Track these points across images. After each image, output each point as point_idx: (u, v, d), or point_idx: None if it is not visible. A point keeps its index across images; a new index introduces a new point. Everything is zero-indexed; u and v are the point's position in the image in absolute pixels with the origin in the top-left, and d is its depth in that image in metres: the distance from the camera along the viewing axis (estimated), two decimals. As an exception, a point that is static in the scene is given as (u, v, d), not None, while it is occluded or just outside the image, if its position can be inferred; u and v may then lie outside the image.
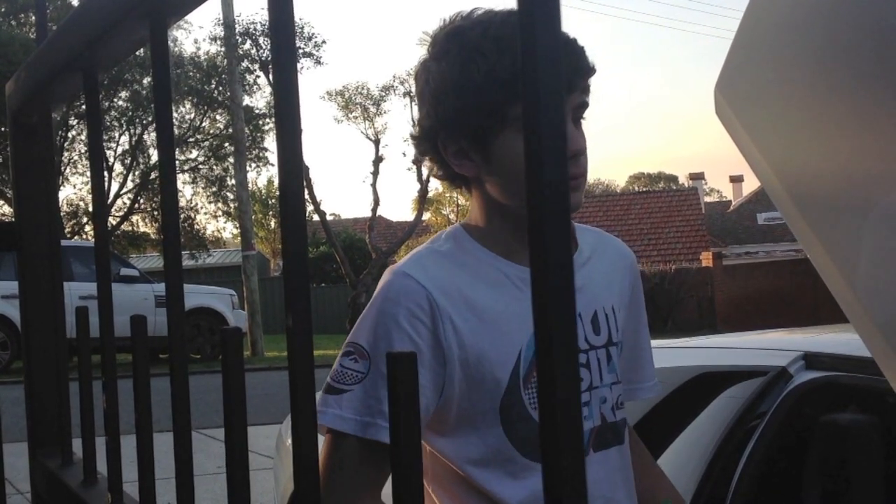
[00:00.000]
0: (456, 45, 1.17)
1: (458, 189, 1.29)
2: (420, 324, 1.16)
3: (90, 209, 20.91)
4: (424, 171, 17.82)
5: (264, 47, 18.93)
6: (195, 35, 35.58)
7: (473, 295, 1.19)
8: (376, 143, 21.60)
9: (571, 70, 1.16)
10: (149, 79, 20.09)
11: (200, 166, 22.61)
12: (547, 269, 0.36)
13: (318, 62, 21.12)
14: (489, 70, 1.13)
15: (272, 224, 41.05)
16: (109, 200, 20.99)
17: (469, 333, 1.17)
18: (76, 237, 20.89)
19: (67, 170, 21.41)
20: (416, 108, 1.29)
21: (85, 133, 20.48)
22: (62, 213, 21.14)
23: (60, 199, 20.83)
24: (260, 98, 22.03)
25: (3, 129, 17.17)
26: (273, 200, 40.71)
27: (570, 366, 0.37)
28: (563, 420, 0.37)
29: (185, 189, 22.74)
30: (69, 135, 20.89)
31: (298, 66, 0.68)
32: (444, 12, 1.24)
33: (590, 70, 1.18)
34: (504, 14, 1.18)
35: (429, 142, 1.22)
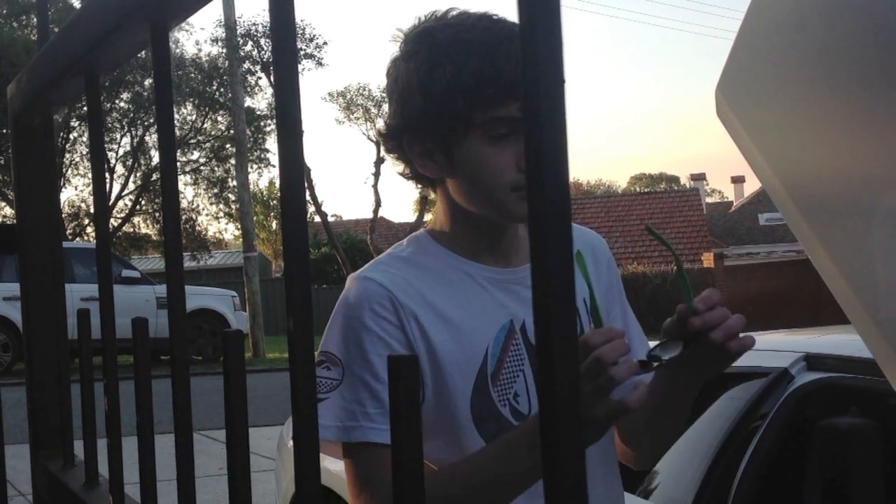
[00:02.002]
0: (425, 46, 1.17)
1: (426, 189, 1.28)
2: (386, 322, 1.16)
3: (91, 211, 20.92)
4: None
5: (266, 48, 18.93)
6: (196, 37, 35.67)
7: (435, 298, 1.20)
8: (377, 144, 21.58)
9: None
10: (150, 80, 20.11)
11: (202, 168, 22.61)
12: (549, 272, 0.36)
13: (319, 63, 21.13)
14: (456, 74, 1.13)
15: (274, 225, 41.07)
16: (111, 202, 21.00)
17: (434, 333, 1.18)
18: (77, 239, 20.90)
19: (69, 171, 21.42)
20: None
21: (86, 134, 20.49)
22: (63, 215, 21.16)
23: (62, 201, 20.86)
24: (261, 99, 22.05)
25: (4, 130, 17.19)
26: (274, 202, 40.74)
27: (571, 365, 0.37)
28: (564, 419, 0.37)
29: (187, 190, 22.76)
30: (70, 136, 20.91)
31: (300, 67, 0.68)
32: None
33: None
34: (475, 18, 1.17)
35: (395, 140, 1.23)
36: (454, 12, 1.20)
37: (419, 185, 1.28)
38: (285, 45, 0.55)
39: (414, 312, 1.18)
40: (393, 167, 1.29)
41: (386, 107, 1.31)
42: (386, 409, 1.13)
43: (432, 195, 1.28)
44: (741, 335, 1.09)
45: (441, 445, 1.20)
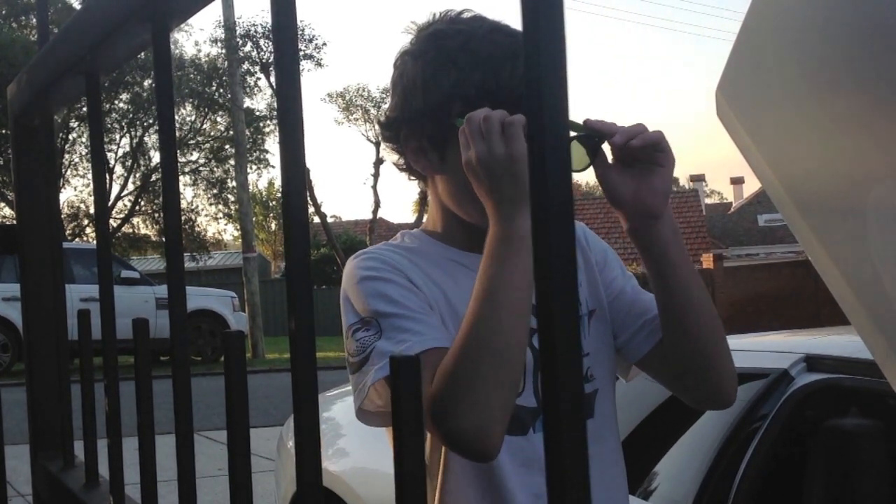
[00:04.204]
0: (434, 48, 1.20)
1: (417, 180, 1.31)
2: (393, 273, 1.19)
3: (91, 211, 20.92)
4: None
5: (265, 49, 18.93)
6: (196, 37, 35.61)
7: (431, 273, 1.22)
8: (377, 145, 21.59)
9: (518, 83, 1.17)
10: (150, 81, 20.10)
11: (201, 168, 22.61)
12: (551, 275, 0.36)
13: (318, 64, 21.16)
14: (459, 82, 1.16)
15: (273, 226, 41.11)
16: (110, 202, 20.98)
17: (433, 299, 1.19)
18: (77, 239, 20.89)
19: (68, 172, 21.42)
20: None
21: (85, 135, 20.48)
22: (63, 216, 21.14)
23: (61, 202, 20.83)
24: (261, 100, 22.07)
25: (4, 131, 17.19)
26: (274, 202, 40.77)
27: (574, 363, 0.37)
28: (566, 407, 0.37)
29: (186, 191, 22.74)
30: (70, 137, 20.91)
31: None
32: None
33: None
34: (488, 28, 1.19)
35: (392, 132, 1.25)
36: (468, 15, 1.22)
37: (411, 177, 1.30)
38: (287, 47, 0.55)
39: (419, 274, 1.20)
40: (388, 156, 1.31)
41: (385, 107, 1.32)
42: (427, 323, 1.14)
43: (429, 194, 1.30)
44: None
45: None
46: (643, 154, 1.13)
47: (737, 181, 39.08)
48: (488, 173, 1.07)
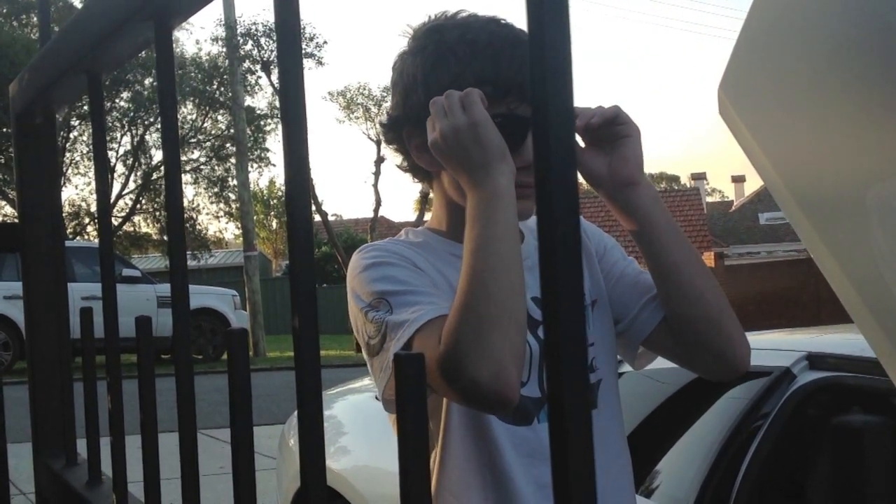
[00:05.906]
0: (433, 42, 1.22)
1: (422, 182, 1.32)
2: (398, 259, 1.20)
3: (92, 210, 20.92)
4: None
5: (266, 48, 18.92)
6: (197, 36, 35.57)
7: (435, 263, 1.23)
8: (378, 143, 21.56)
9: (523, 80, 1.18)
10: (150, 79, 20.09)
11: (202, 167, 22.60)
12: (558, 276, 0.36)
13: (319, 63, 21.10)
14: (459, 72, 1.18)
15: (274, 224, 41.14)
16: (112, 201, 20.92)
17: (437, 283, 1.20)
18: (78, 238, 20.90)
19: (70, 170, 21.42)
20: None
21: (87, 134, 20.47)
22: (64, 214, 21.09)
23: (63, 200, 20.75)
24: (262, 98, 22.05)
25: (5, 129, 17.19)
26: (275, 201, 40.82)
27: (579, 356, 0.37)
28: (571, 397, 0.37)
29: (187, 190, 22.71)
30: (71, 135, 20.90)
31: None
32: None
33: None
34: (483, 22, 1.23)
35: (395, 132, 1.28)
36: (463, 13, 1.25)
37: (416, 178, 1.32)
38: (290, 46, 0.55)
39: (421, 262, 1.21)
40: (391, 159, 1.33)
41: (385, 105, 1.34)
42: (435, 295, 1.15)
43: (431, 194, 1.32)
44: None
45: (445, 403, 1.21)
46: (607, 131, 1.20)
47: (738, 179, 39.01)
48: (455, 144, 1.10)
